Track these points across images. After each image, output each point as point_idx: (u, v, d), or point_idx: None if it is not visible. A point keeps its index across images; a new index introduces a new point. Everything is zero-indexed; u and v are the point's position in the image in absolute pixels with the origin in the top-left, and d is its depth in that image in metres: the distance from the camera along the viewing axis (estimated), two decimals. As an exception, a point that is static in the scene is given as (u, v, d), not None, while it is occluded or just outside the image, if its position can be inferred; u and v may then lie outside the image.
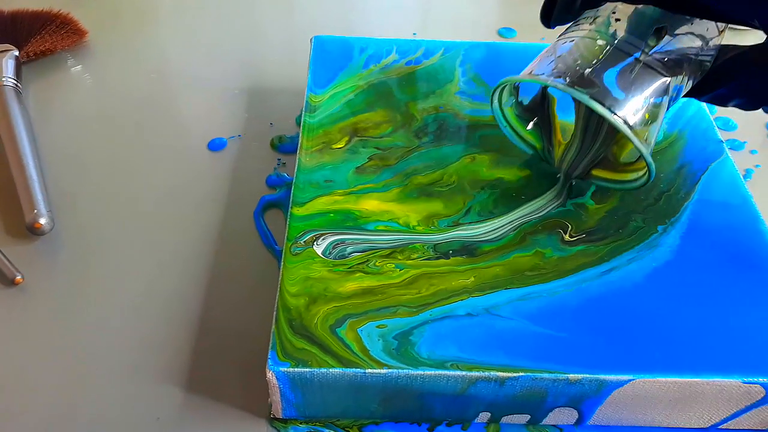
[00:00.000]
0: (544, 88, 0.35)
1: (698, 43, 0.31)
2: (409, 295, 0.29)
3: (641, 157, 0.31)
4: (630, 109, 0.29)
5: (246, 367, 0.31)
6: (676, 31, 0.30)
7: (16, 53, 0.45)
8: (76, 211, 0.38)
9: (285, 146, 0.42)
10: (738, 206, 0.34)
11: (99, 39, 0.50)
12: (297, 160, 0.35)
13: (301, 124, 0.37)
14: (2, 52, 0.45)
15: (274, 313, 0.29)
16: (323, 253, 0.31)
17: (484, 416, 0.29)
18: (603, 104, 0.29)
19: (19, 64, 0.45)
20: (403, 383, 0.27)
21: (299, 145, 0.36)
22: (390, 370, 0.27)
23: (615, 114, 0.29)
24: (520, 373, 0.27)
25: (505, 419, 0.29)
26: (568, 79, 0.29)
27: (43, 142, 0.42)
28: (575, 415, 0.29)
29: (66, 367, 0.31)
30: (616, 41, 0.30)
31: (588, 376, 0.27)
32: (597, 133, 0.33)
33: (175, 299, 0.34)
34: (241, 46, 0.51)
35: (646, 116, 0.30)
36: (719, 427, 0.30)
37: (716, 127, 0.38)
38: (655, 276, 0.30)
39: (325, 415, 0.29)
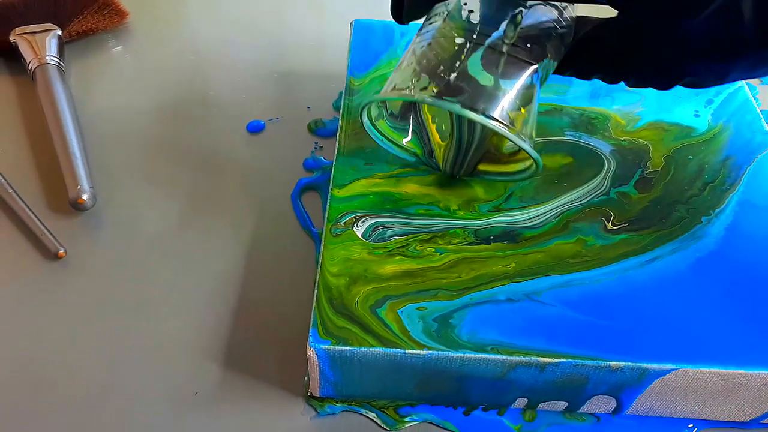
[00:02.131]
0: None
1: (554, 14, 0.29)
2: (450, 279, 0.29)
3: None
4: (504, 108, 0.28)
5: (283, 346, 0.31)
6: (530, 2, 0.29)
7: (59, 33, 0.46)
8: (117, 188, 0.38)
9: (322, 130, 0.42)
10: (785, 199, 0.33)
11: (140, 20, 0.51)
12: (337, 143, 0.35)
13: (342, 106, 0.37)
14: (46, 31, 0.46)
15: (315, 291, 0.29)
16: (363, 235, 0.31)
17: (521, 402, 0.29)
18: (476, 110, 0.28)
19: (61, 44, 0.46)
20: (442, 365, 0.27)
21: (339, 128, 0.36)
22: (430, 352, 0.27)
23: (491, 118, 0.28)
24: (562, 359, 0.26)
25: (542, 406, 0.29)
26: (434, 89, 0.28)
27: (84, 119, 0.42)
28: (613, 404, 0.29)
29: (106, 340, 0.32)
30: (474, 36, 0.29)
31: (630, 364, 0.26)
32: (471, 130, 0.32)
33: (213, 277, 0.34)
34: (278, 29, 0.51)
35: (522, 111, 0.29)
36: (761, 421, 0.29)
37: (763, 119, 0.37)
38: (699, 266, 0.30)
39: (361, 395, 0.29)
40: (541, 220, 0.32)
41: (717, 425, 0.30)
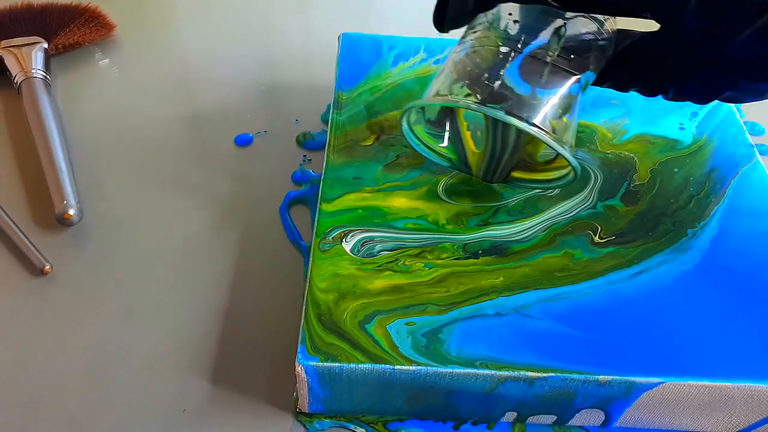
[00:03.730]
0: None
1: (594, 26, 0.30)
2: (438, 294, 0.29)
3: (558, 156, 0.30)
4: (547, 115, 0.29)
5: (272, 361, 0.31)
6: (571, 14, 0.30)
7: (46, 46, 0.46)
8: (103, 203, 0.38)
9: (310, 143, 0.42)
10: (769, 211, 0.33)
11: (127, 33, 0.51)
12: (325, 157, 0.35)
13: (329, 121, 0.38)
14: (32, 44, 0.45)
15: (303, 308, 0.29)
16: (352, 250, 0.31)
17: (510, 416, 0.29)
18: (520, 117, 0.28)
19: (48, 57, 0.45)
20: (431, 381, 0.27)
21: (327, 142, 0.36)
22: (419, 368, 0.27)
23: (534, 125, 0.28)
24: (550, 374, 0.27)
25: (531, 419, 0.29)
26: (478, 96, 0.29)
27: (71, 133, 0.42)
28: (602, 416, 0.29)
29: (92, 357, 0.31)
30: (519, 45, 0.30)
31: (618, 377, 0.27)
32: (505, 138, 0.32)
33: (201, 292, 0.34)
34: (266, 42, 0.51)
35: (564, 120, 0.29)
36: (748, 432, 0.29)
37: (746, 131, 0.38)
38: (686, 279, 0.30)
39: (350, 411, 0.29)
40: (529, 233, 0.32)
41: (704, 437, 0.30)
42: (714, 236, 0.32)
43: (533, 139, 0.32)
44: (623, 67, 0.31)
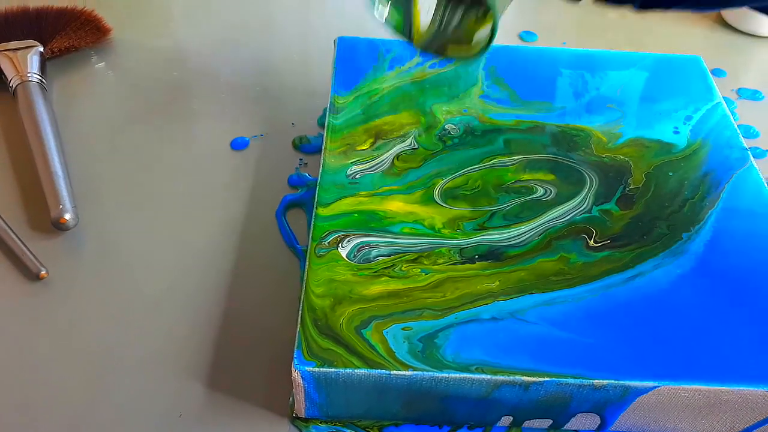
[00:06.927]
0: None
1: None
2: (435, 299, 0.29)
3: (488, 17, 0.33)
4: None
5: (268, 365, 0.31)
6: None
7: (41, 49, 0.46)
8: (100, 207, 0.38)
9: (306, 146, 0.42)
10: (763, 214, 0.33)
11: (123, 36, 0.51)
12: (321, 161, 0.35)
13: (326, 125, 0.38)
14: (27, 48, 0.45)
15: (299, 312, 0.29)
16: (348, 256, 0.31)
17: (506, 420, 0.29)
18: None
19: (43, 60, 0.45)
20: (427, 386, 0.27)
21: (323, 146, 0.36)
22: (415, 372, 0.27)
23: None
24: (545, 378, 0.27)
25: (527, 423, 0.29)
26: None
27: (67, 137, 0.42)
28: (597, 420, 0.29)
29: (89, 361, 0.31)
30: None
31: (613, 382, 0.27)
32: (452, 16, 0.34)
33: (197, 296, 0.34)
34: (263, 46, 0.51)
35: None
36: (742, 436, 0.30)
37: (740, 135, 0.38)
38: (680, 283, 0.30)
39: (347, 416, 0.29)
40: (525, 238, 0.32)
41: (699, 440, 0.30)
42: (709, 240, 0.32)
43: (476, 21, 0.34)
44: None
